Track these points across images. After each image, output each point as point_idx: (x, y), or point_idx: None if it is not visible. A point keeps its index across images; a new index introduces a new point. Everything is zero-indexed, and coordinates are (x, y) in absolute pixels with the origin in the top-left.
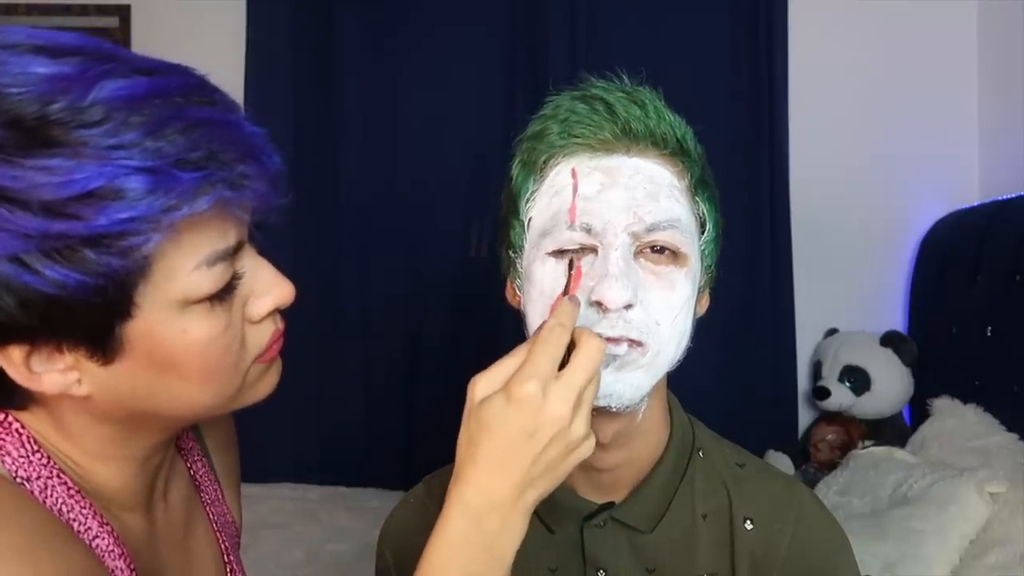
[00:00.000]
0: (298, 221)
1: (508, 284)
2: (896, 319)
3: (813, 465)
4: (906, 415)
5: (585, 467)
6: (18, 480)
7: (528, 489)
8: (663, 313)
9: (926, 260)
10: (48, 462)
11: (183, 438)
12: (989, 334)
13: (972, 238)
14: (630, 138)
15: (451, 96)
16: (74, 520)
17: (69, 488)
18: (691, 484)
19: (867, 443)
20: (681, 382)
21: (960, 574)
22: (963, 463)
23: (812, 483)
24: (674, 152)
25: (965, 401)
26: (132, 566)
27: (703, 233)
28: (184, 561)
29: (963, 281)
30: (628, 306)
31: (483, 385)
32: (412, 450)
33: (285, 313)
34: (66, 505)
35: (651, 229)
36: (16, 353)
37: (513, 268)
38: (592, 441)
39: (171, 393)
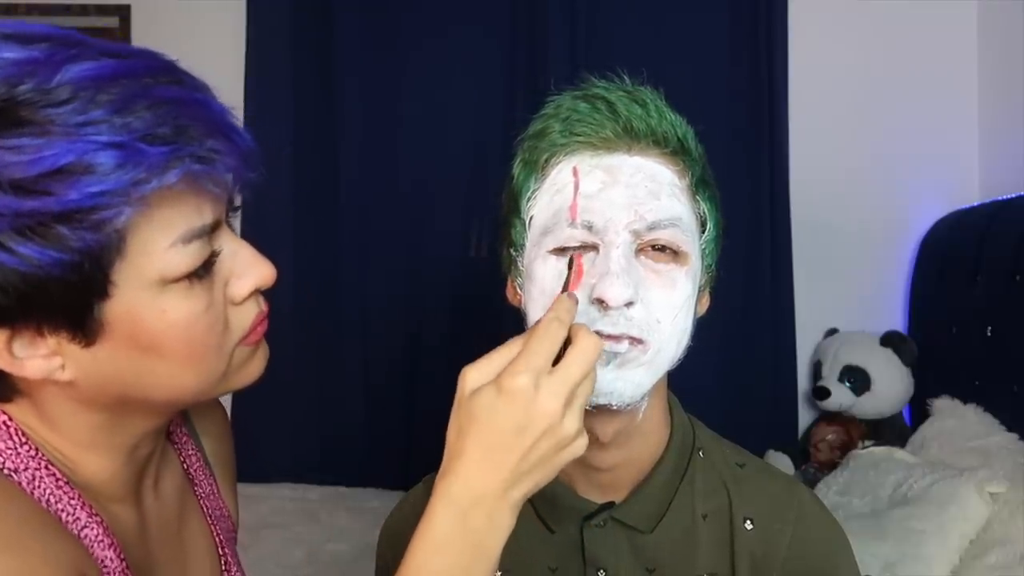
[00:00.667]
0: (298, 221)
1: (509, 283)
2: (896, 319)
3: (813, 465)
4: (906, 415)
5: (585, 467)
6: (5, 471)
7: (516, 484)
8: (664, 311)
9: (926, 260)
10: (36, 454)
11: (176, 432)
12: (989, 334)
13: (972, 238)
14: (631, 137)
15: (451, 96)
16: (62, 511)
17: (57, 479)
18: (691, 484)
19: (867, 443)
20: (681, 382)
21: (960, 574)
22: (963, 463)
23: (812, 483)
24: (675, 151)
25: (965, 401)
26: (122, 556)
27: (704, 232)
28: (178, 554)
29: (963, 281)
30: (629, 304)
31: (474, 376)
32: (412, 450)
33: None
34: (54, 496)
35: (652, 227)
36: None
37: (514, 267)
38: (584, 440)
39: (155, 376)
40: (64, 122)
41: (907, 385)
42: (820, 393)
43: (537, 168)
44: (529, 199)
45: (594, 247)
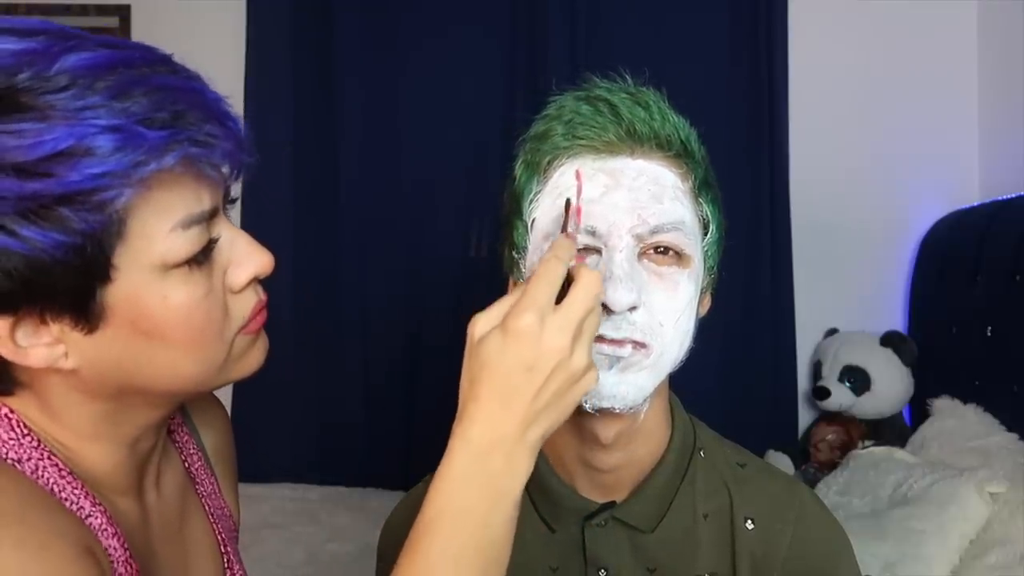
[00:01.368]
0: (298, 221)
1: (510, 283)
2: (896, 319)
3: (813, 465)
4: (906, 415)
5: (586, 467)
6: (9, 461)
7: (532, 424)
8: (666, 314)
9: (926, 260)
10: (39, 445)
11: (178, 431)
12: (989, 334)
13: (972, 238)
14: (634, 140)
15: (451, 96)
16: (66, 499)
17: (60, 469)
18: (692, 484)
19: (867, 443)
20: (682, 382)
21: (960, 574)
22: (963, 463)
23: (812, 483)
24: (678, 154)
25: (965, 401)
26: (126, 546)
27: (706, 235)
28: (180, 551)
29: (963, 281)
30: (632, 308)
31: (482, 323)
32: (412, 450)
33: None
34: (57, 485)
35: (655, 231)
36: (1, 326)
37: (516, 268)
38: (595, 373)
39: (157, 363)
40: (64, 107)
41: (907, 385)
42: (820, 393)
43: (539, 170)
44: (531, 201)
45: (597, 251)
